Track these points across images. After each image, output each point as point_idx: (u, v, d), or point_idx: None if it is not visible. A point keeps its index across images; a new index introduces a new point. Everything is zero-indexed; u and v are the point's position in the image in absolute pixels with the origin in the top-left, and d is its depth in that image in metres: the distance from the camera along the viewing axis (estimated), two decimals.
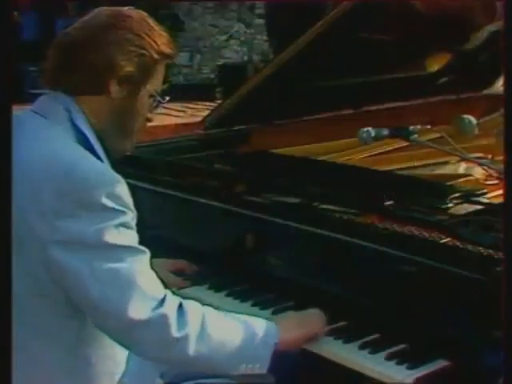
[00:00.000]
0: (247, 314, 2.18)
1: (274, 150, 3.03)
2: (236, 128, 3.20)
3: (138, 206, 2.76)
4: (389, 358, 1.94)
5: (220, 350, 1.85)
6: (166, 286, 1.89)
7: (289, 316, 2.10)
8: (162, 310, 1.79)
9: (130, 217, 1.83)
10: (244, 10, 10.20)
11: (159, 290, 1.83)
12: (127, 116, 1.96)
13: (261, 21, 10.16)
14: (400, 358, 1.93)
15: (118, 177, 1.82)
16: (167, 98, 2.06)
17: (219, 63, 9.80)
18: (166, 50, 1.96)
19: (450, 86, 3.60)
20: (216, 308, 2.22)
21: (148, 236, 2.68)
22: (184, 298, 2.37)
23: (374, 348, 1.98)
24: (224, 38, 10.26)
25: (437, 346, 1.93)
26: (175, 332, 1.80)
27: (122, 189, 1.82)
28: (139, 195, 2.75)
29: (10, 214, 1.75)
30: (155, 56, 1.93)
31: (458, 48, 3.48)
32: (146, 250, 1.85)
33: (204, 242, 2.55)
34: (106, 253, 1.77)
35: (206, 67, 10.24)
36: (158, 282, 1.85)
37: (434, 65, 3.52)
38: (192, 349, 1.81)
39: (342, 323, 2.11)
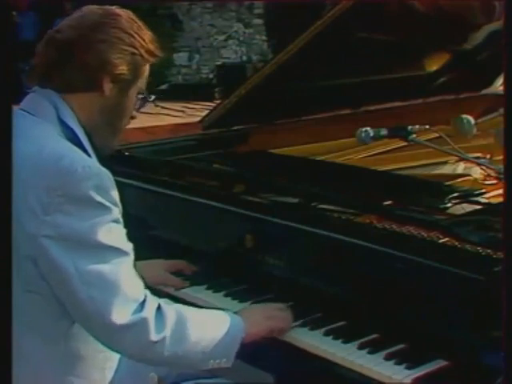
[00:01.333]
0: None
1: (273, 150, 3.04)
2: (235, 128, 3.20)
3: (137, 205, 2.78)
4: (388, 358, 1.94)
5: (193, 350, 1.89)
6: (146, 285, 1.90)
7: (255, 309, 2.14)
8: (142, 314, 1.81)
9: (117, 212, 1.84)
10: (243, 10, 10.20)
11: (140, 292, 1.84)
12: (117, 113, 1.98)
13: (260, 21, 10.16)
14: (399, 358, 1.92)
15: (106, 171, 1.84)
16: (153, 97, 2.11)
17: (218, 63, 9.79)
18: (154, 49, 2.00)
19: (448, 86, 3.60)
20: (216, 307, 2.24)
21: (147, 236, 2.71)
22: (181, 300, 2.39)
23: (372, 348, 1.98)
24: (223, 37, 10.26)
25: (435, 345, 1.93)
26: (153, 335, 1.82)
27: (110, 183, 1.83)
28: (138, 195, 2.78)
29: (9, 213, 1.74)
30: (145, 55, 1.97)
31: (457, 48, 3.48)
32: (130, 250, 1.86)
33: (203, 241, 2.55)
34: (93, 252, 1.78)
35: (205, 67, 10.23)
36: (140, 282, 1.86)
37: (433, 65, 3.52)
38: (168, 350, 1.84)
39: (340, 323, 2.11)
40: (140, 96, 2.03)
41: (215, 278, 2.43)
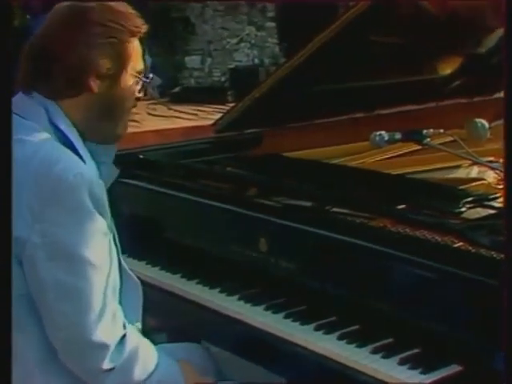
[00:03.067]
0: (260, 318, 2.21)
1: (286, 153, 3.03)
2: (248, 131, 3.20)
3: (151, 208, 2.79)
4: (402, 362, 1.93)
5: None
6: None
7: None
8: (105, 339, 1.80)
9: (105, 225, 1.83)
10: (255, 13, 10.20)
11: (109, 316, 1.81)
12: (114, 105, 1.94)
13: (272, 24, 10.16)
14: (413, 363, 1.92)
15: (98, 180, 1.83)
16: (151, 76, 2.06)
17: (231, 66, 9.79)
18: (134, 27, 1.93)
19: (462, 90, 3.59)
20: (230, 311, 2.24)
21: (161, 238, 2.71)
22: (194, 303, 2.39)
23: (386, 352, 1.98)
24: (235, 41, 10.25)
25: (450, 350, 1.92)
26: (105, 363, 1.81)
27: (101, 192, 1.82)
28: (151, 198, 2.79)
29: (9, 214, 1.72)
30: (126, 38, 1.91)
31: (470, 51, 3.47)
32: (112, 267, 1.84)
33: (216, 245, 2.55)
34: (75, 266, 1.77)
35: (217, 70, 10.23)
36: (113, 305, 1.83)
37: (446, 68, 3.52)
38: (109, 382, 1.83)
39: (354, 327, 2.11)
40: (137, 76, 1.96)
41: (229, 282, 2.42)
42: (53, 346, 1.83)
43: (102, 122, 1.94)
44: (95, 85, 1.89)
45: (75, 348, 1.81)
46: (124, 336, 1.84)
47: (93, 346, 1.79)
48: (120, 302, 1.90)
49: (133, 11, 1.95)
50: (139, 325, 2.00)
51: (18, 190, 1.75)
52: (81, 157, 1.86)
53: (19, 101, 1.91)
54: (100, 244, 1.81)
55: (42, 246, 1.75)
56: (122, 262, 1.97)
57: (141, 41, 1.98)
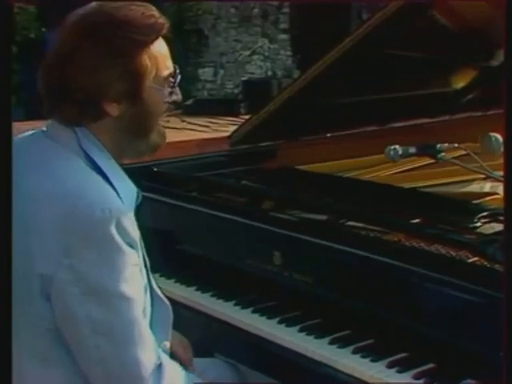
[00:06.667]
0: (274, 331, 2.21)
1: (301, 167, 3.04)
2: (263, 144, 3.21)
3: (165, 220, 2.79)
4: (417, 377, 1.93)
5: None
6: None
7: None
8: (143, 373, 1.76)
9: (136, 255, 1.77)
10: (268, 25, 10.23)
11: (147, 348, 1.77)
12: (141, 122, 1.83)
13: (285, 36, 10.19)
14: (428, 378, 1.92)
15: (126, 212, 1.75)
16: (178, 75, 1.86)
17: (244, 78, 9.81)
18: (145, 37, 1.75)
19: (476, 103, 3.59)
20: (244, 324, 2.24)
21: (174, 250, 2.72)
22: (208, 316, 2.40)
23: (401, 367, 1.97)
24: (247, 53, 10.28)
25: (465, 365, 1.92)
26: None
27: (130, 223, 1.75)
28: (166, 211, 2.79)
29: (10, 215, 1.72)
30: (137, 51, 1.75)
31: (484, 64, 3.48)
32: (141, 294, 1.80)
33: (230, 258, 2.55)
34: (108, 300, 1.72)
35: (230, 82, 10.25)
36: (149, 336, 1.79)
37: (460, 81, 3.52)
38: None
39: (369, 341, 2.11)
40: (164, 82, 1.82)
41: (243, 295, 2.43)
42: (82, 378, 1.79)
43: (132, 141, 1.86)
44: (113, 109, 1.77)
45: (113, 381, 1.77)
46: (160, 365, 1.80)
47: (132, 378, 1.76)
48: (150, 323, 1.85)
49: (145, 10, 1.76)
50: (168, 344, 1.94)
51: (44, 224, 1.71)
52: (111, 182, 1.77)
53: (51, 124, 1.84)
54: (131, 277, 1.74)
55: (72, 282, 1.69)
56: (152, 281, 1.91)
57: (165, 38, 1.81)
